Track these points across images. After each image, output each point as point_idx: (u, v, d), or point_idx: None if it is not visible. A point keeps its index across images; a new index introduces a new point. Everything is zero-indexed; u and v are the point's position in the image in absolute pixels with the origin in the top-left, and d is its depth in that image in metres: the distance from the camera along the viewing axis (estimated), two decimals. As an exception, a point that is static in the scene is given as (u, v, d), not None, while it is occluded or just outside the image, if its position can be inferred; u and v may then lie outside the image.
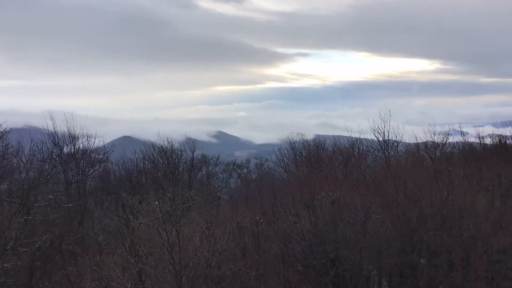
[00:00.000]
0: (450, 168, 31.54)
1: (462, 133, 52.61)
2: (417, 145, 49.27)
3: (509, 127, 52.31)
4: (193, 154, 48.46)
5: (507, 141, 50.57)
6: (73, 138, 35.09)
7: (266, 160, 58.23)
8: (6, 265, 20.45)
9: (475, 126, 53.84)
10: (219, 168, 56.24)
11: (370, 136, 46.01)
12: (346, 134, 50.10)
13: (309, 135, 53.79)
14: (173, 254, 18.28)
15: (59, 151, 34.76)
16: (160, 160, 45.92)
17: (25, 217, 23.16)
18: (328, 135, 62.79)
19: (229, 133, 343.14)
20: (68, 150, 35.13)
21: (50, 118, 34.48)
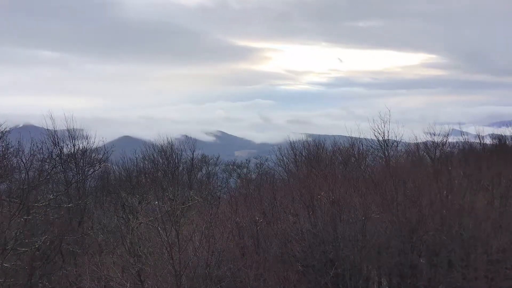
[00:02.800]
0: (450, 168, 31.58)
1: (462, 133, 52.68)
2: (417, 145, 49.29)
3: (509, 127, 52.39)
4: (193, 154, 48.46)
5: (507, 141, 50.63)
6: (73, 138, 35.07)
7: (266, 160, 58.26)
8: (6, 265, 20.46)
9: (475, 126, 53.72)
10: (219, 168, 56.24)
11: (370, 136, 46.00)
12: (346, 134, 50.20)
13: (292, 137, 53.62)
14: (173, 254, 18.28)
15: (59, 151, 34.71)
16: (160, 160, 45.91)
17: (25, 217, 23.17)
18: (313, 135, 62.40)
19: (229, 133, 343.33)
20: (68, 150, 35.08)
21: (50, 118, 34.46)
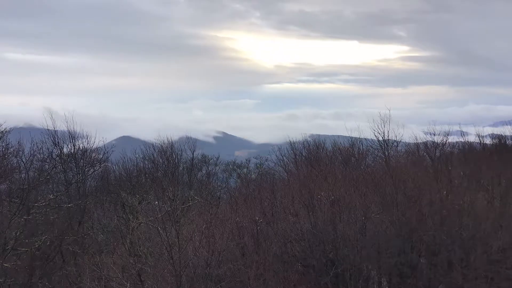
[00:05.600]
0: (450, 168, 31.60)
1: (462, 133, 52.70)
2: (417, 145, 49.31)
3: (509, 126, 52.38)
4: (193, 154, 48.49)
5: (507, 141, 50.65)
6: (73, 138, 35.09)
7: (266, 160, 58.22)
8: (6, 265, 20.47)
9: (475, 126, 53.70)
10: (219, 168, 56.24)
11: (370, 136, 46.08)
12: (346, 134, 50.27)
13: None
14: (173, 253, 18.30)
15: (59, 151, 34.74)
16: (160, 160, 45.93)
17: (25, 217, 23.19)
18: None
19: (229, 133, 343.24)
20: (68, 150, 35.11)
21: (50, 118, 34.51)
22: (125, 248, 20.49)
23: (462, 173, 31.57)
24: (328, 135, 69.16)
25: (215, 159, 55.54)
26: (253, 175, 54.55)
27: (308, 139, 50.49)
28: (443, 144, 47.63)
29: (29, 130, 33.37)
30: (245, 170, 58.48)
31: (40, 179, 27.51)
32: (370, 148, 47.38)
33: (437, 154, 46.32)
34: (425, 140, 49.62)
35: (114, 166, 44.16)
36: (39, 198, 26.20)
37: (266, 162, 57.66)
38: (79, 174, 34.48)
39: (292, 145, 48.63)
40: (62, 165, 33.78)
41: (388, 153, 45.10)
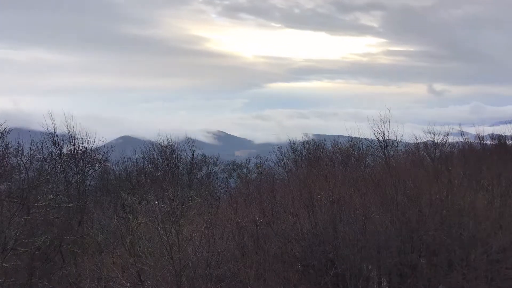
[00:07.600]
0: (450, 168, 31.57)
1: (462, 133, 52.67)
2: (417, 145, 49.33)
3: (509, 125, 52.35)
4: (193, 154, 48.46)
5: (507, 141, 50.63)
6: (72, 138, 35.06)
7: (266, 160, 58.24)
8: (6, 264, 20.47)
9: (475, 126, 53.64)
10: (219, 168, 56.26)
11: (370, 136, 46.08)
12: (346, 134, 50.30)
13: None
14: (173, 254, 18.29)
15: (59, 151, 34.72)
16: (160, 160, 45.90)
17: (25, 217, 23.18)
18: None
19: (229, 133, 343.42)
20: (68, 150, 35.08)
21: (50, 118, 34.47)
22: (125, 248, 20.48)
23: (462, 173, 31.53)
24: (328, 135, 69.20)
25: (215, 159, 55.56)
26: (253, 175, 54.55)
27: (311, 138, 50.55)
28: (443, 144, 47.64)
29: (29, 130, 33.38)
30: (245, 170, 58.51)
31: (40, 179, 27.48)
32: (370, 148, 47.39)
33: (437, 154, 46.31)
34: (425, 140, 49.68)
35: (114, 166, 44.12)
36: (39, 198, 26.17)
37: (266, 162, 57.69)
38: (79, 174, 34.44)
39: (292, 145, 48.67)
40: (62, 165, 33.75)
41: (388, 153, 45.09)
